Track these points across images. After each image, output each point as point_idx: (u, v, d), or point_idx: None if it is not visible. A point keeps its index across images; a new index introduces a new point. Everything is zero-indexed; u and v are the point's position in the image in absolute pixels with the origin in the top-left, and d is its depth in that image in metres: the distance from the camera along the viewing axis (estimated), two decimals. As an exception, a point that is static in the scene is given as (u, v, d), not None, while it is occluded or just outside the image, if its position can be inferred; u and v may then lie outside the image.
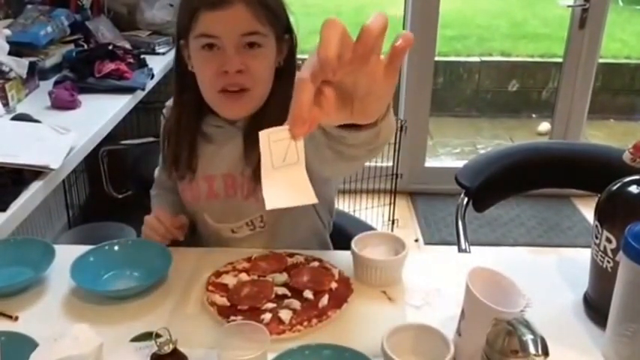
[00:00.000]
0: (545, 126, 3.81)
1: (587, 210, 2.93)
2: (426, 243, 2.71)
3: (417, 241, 2.74)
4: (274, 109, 1.06)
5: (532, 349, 0.62)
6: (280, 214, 1.13)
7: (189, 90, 1.08)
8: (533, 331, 0.64)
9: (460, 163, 1.48)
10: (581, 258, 1.03)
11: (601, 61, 3.09)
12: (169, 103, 1.19)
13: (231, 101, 1.04)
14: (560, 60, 3.12)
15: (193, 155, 1.13)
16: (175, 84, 1.12)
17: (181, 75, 1.09)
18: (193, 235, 1.22)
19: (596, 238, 0.91)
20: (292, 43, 1.09)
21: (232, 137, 1.11)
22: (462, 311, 0.81)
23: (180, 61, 1.09)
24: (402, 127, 2.61)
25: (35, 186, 1.25)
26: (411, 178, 3.01)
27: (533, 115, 4.18)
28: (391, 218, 2.71)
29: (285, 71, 1.08)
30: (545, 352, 0.62)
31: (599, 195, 0.93)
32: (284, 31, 1.07)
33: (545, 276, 1.08)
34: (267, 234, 1.15)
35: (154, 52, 2.24)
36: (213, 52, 1.00)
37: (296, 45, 1.09)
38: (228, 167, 1.12)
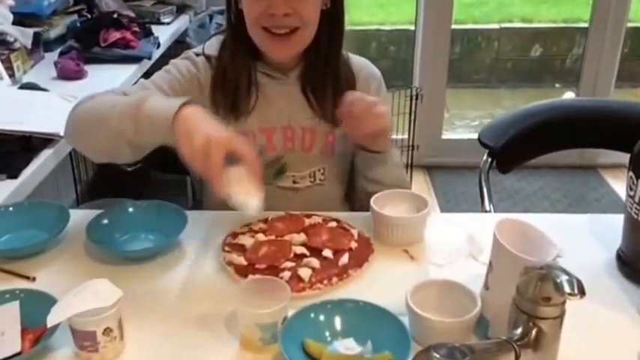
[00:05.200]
0: (569, 95, 3.71)
1: (615, 181, 2.83)
2: (445, 216, 2.66)
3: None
4: (324, 57, 1.10)
5: (567, 289, 0.58)
6: (340, 168, 1.19)
7: (241, 31, 1.08)
8: (567, 273, 0.60)
9: (478, 136, 1.42)
10: (612, 219, 1.00)
11: (630, 25, 2.95)
12: (196, 49, 1.15)
13: (277, 42, 1.05)
14: (585, 25, 3.00)
15: (250, 96, 1.11)
16: (227, 25, 1.12)
17: (233, 15, 1.09)
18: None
19: (631, 189, 0.88)
20: None
21: (287, 89, 1.12)
22: (490, 264, 0.78)
23: (231, 1, 1.09)
24: (417, 95, 2.55)
25: (45, 154, 1.24)
26: (428, 152, 2.95)
27: (557, 85, 4.04)
28: (409, 191, 2.66)
29: (332, 14, 1.09)
30: (582, 292, 0.58)
31: (631, 153, 0.88)
32: None
33: (576, 235, 1.04)
34: (325, 187, 1.17)
35: (158, 22, 2.19)
36: None
37: None
38: (288, 119, 1.13)
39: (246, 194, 0.79)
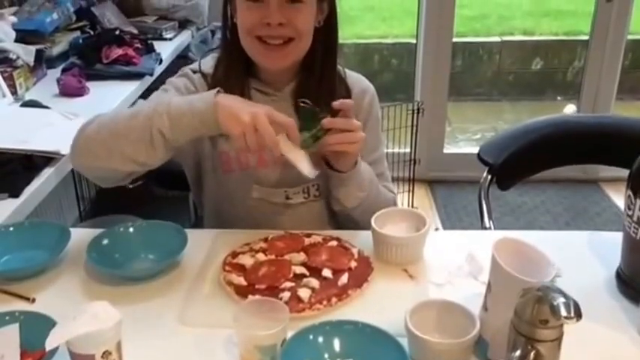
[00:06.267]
0: (571, 108, 3.71)
1: (617, 195, 2.84)
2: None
3: (437, 230, 2.68)
4: (318, 74, 1.11)
5: (564, 312, 0.58)
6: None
7: (236, 49, 1.09)
8: (565, 295, 0.60)
9: (481, 150, 1.43)
10: (612, 237, 1.00)
11: (630, 37, 2.97)
12: (193, 66, 1.17)
13: (271, 52, 1.06)
14: (586, 38, 3.02)
15: None
16: (222, 40, 1.13)
17: (229, 31, 1.11)
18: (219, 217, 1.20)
19: (629, 209, 0.87)
20: (333, 3, 1.10)
21: (280, 105, 1.12)
22: (488, 284, 0.78)
23: (227, 17, 1.10)
24: (418, 109, 2.56)
25: (47, 172, 1.24)
26: (430, 166, 2.95)
27: (558, 97, 4.05)
28: (410, 206, 2.67)
29: (325, 32, 1.10)
30: (578, 315, 0.58)
31: (629, 171, 0.88)
32: None
33: (575, 253, 1.04)
34: (320, 203, 1.17)
35: (161, 38, 2.22)
36: (258, 5, 1.03)
37: (336, 6, 1.10)
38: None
39: (294, 159, 0.94)
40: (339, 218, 1.19)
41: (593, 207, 2.82)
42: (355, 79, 1.20)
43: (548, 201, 2.85)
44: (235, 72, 1.11)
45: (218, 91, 0.95)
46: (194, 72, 1.15)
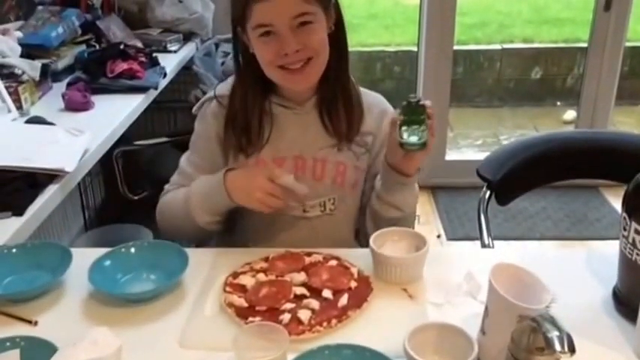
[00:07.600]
0: (570, 114, 3.72)
1: (617, 200, 2.83)
2: (449, 239, 2.65)
3: (439, 236, 2.69)
4: (333, 79, 1.14)
5: (557, 347, 0.59)
6: (350, 199, 1.21)
7: (251, 70, 1.13)
8: (558, 328, 0.61)
9: (482, 155, 1.44)
10: (609, 251, 1.00)
11: (628, 44, 3.00)
12: (206, 97, 1.20)
13: (294, 76, 1.09)
14: (585, 45, 3.04)
15: (263, 131, 1.15)
16: (236, 67, 1.17)
17: (242, 58, 1.15)
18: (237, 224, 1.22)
19: (625, 230, 0.88)
20: (337, 6, 1.12)
21: (302, 118, 1.15)
22: (486, 309, 0.79)
23: (238, 45, 1.14)
24: (421, 119, 2.56)
25: (51, 190, 1.24)
26: (432, 173, 2.95)
27: (558, 103, 4.07)
28: (412, 212, 2.67)
29: (338, 36, 1.12)
30: (572, 349, 0.59)
31: (624, 193, 0.89)
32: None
33: (573, 270, 1.04)
34: (335, 217, 1.19)
35: (165, 50, 2.23)
36: (271, 38, 1.06)
37: (340, 7, 1.13)
38: (300, 149, 1.16)
39: (292, 185, 1.07)
40: (371, 224, 1.20)
41: (594, 213, 2.83)
42: (374, 98, 1.22)
43: (549, 207, 2.86)
44: (252, 94, 1.14)
45: (225, 172, 1.09)
46: (209, 100, 1.19)
